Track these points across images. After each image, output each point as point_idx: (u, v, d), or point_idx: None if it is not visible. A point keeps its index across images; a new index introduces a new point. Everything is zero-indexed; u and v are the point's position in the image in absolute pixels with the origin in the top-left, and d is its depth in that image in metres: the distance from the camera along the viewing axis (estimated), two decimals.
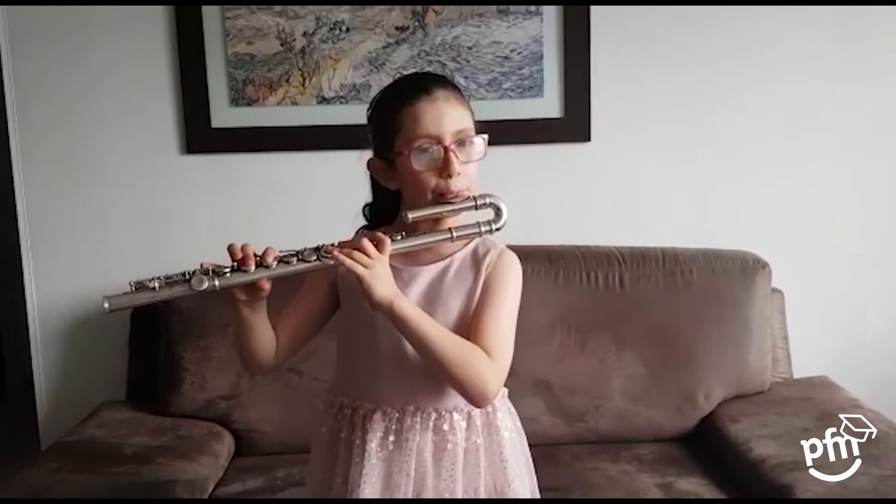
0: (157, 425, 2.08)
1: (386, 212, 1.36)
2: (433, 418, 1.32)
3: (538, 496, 1.45)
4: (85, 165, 2.32)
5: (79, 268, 2.34)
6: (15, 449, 2.34)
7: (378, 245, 1.22)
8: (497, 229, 1.30)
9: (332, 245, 1.23)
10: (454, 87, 1.34)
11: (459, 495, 1.31)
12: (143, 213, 2.34)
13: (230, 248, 1.21)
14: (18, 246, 2.34)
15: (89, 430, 2.06)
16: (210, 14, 2.26)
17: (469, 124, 1.31)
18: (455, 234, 1.28)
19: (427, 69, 2.24)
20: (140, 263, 2.26)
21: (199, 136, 2.30)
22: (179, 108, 2.30)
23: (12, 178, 2.32)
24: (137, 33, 2.27)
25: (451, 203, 1.28)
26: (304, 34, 2.26)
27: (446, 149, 1.27)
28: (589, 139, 2.34)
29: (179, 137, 2.31)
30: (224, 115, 2.30)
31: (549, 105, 2.31)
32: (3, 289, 3.89)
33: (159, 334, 2.19)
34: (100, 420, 2.11)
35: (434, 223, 1.30)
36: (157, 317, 2.19)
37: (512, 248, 1.38)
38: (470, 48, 2.28)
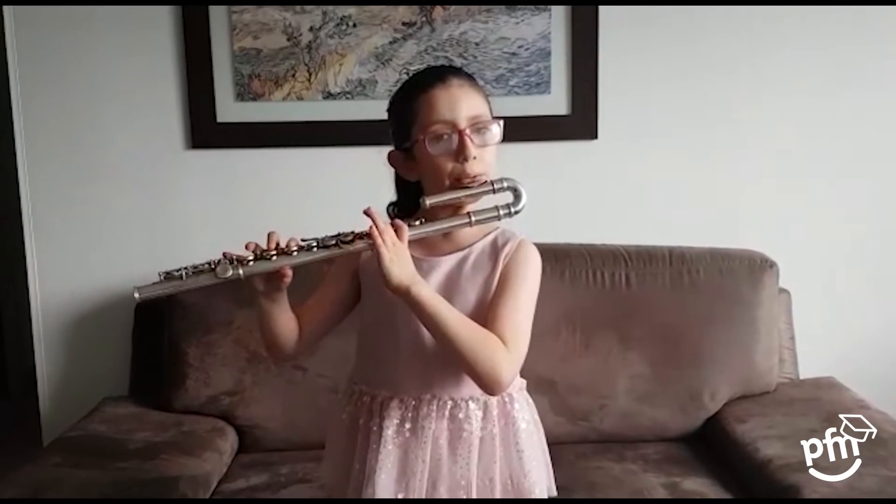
0: (161, 421, 2.08)
1: (409, 206, 1.37)
2: (449, 406, 1.33)
3: (554, 491, 1.46)
4: (89, 160, 2.31)
5: (82, 263, 2.33)
6: (17, 445, 2.34)
7: (397, 232, 1.24)
8: (516, 212, 1.31)
9: (352, 232, 1.25)
10: (469, 76, 1.37)
11: (474, 483, 1.32)
12: (148, 208, 2.33)
13: (247, 247, 1.24)
14: (22, 240, 2.34)
15: (92, 425, 2.05)
16: (216, 8, 2.25)
17: (484, 111, 1.33)
18: (474, 219, 1.30)
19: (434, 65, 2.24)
20: (144, 259, 2.25)
21: (205, 130, 2.29)
22: (185, 102, 2.29)
23: (17, 173, 2.31)
24: (143, 27, 2.26)
25: (468, 188, 1.30)
26: (311, 29, 2.25)
27: (461, 133, 1.29)
28: (596, 137, 2.32)
29: (184, 132, 2.30)
30: (229, 109, 2.29)
31: (556, 102, 2.30)
32: (7, 283, 3.90)
33: (163, 329, 2.18)
34: (103, 415, 2.11)
35: (454, 211, 1.32)
36: (160, 312, 2.19)
37: None
38: (477, 44, 2.27)
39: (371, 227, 1.22)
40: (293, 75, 2.28)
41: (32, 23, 2.26)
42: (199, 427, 2.05)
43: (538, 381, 2.06)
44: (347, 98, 2.29)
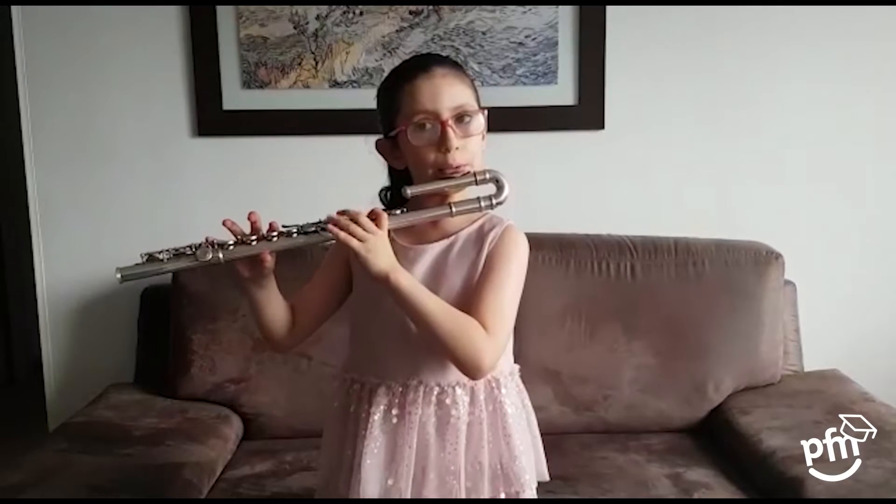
0: (166, 408, 2.08)
1: (401, 193, 1.36)
2: (436, 392, 1.33)
3: (546, 476, 1.47)
4: (96, 147, 2.31)
5: (88, 250, 2.34)
6: (23, 431, 2.35)
7: (376, 220, 1.24)
8: (498, 203, 1.31)
9: (332, 217, 1.25)
10: (454, 64, 1.37)
11: (462, 468, 1.32)
12: (154, 196, 2.33)
13: (224, 224, 1.26)
14: (28, 227, 2.34)
15: (98, 411, 2.06)
16: None
17: (468, 100, 1.33)
18: (454, 209, 1.31)
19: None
20: (150, 246, 2.22)
21: (211, 118, 2.29)
22: (191, 90, 2.29)
23: (23, 160, 2.32)
24: (150, 14, 2.26)
25: (451, 178, 1.30)
26: (317, 17, 2.25)
27: (443, 124, 1.29)
28: (603, 127, 2.32)
29: (191, 120, 2.31)
30: (236, 97, 2.29)
31: (562, 92, 2.30)
32: (13, 270, 3.91)
33: (168, 317, 2.19)
34: (108, 402, 2.12)
35: (440, 200, 1.33)
36: (166, 299, 2.19)
37: None
38: (484, 33, 2.26)
39: (330, 227, 1.22)
40: (300, 63, 2.28)
41: (39, 11, 2.26)
42: (204, 414, 2.06)
43: (543, 370, 2.08)
44: (354, 86, 2.28)
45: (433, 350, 1.29)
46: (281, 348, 1.44)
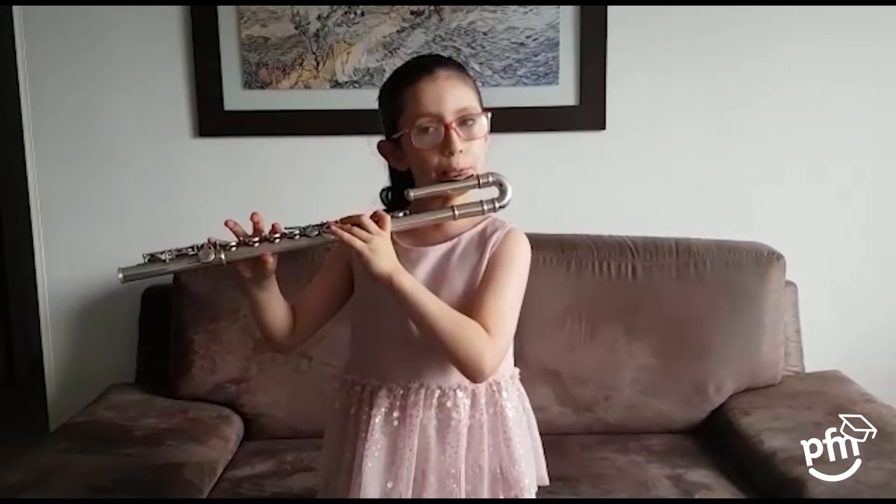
0: (167, 408, 2.08)
1: (401, 195, 1.36)
2: (437, 395, 1.33)
3: (546, 481, 1.47)
4: (97, 147, 2.31)
5: (89, 250, 2.34)
6: (24, 431, 2.34)
7: (379, 221, 1.24)
8: (501, 207, 1.31)
9: (335, 222, 1.25)
10: (457, 66, 1.36)
11: (463, 472, 1.32)
12: (155, 196, 2.33)
13: (226, 224, 1.27)
14: (29, 227, 2.34)
15: (99, 411, 2.06)
16: None
17: (471, 103, 1.33)
18: (457, 213, 1.30)
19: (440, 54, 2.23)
20: (151, 247, 2.21)
21: (212, 119, 2.29)
22: (192, 90, 2.29)
23: (25, 160, 2.32)
24: (151, 15, 2.26)
25: (453, 181, 1.30)
26: (319, 17, 2.25)
27: (447, 127, 1.29)
28: (604, 128, 2.32)
29: (192, 120, 2.30)
30: (237, 98, 2.29)
31: (564, 93, 2.29)
32: (14, 269, 3.91)
33: (169, 317, 2.19)
34: (109, 402, 2.12)
35: (443, 202, 1.32)
36: (167, 299, 2.19)
37: None
38: (485, 34, 2.26)
39: (333, 228, 1.22)
40: (301, 64, 2.28)
41: (40, 11, 2.26)
42: (204, 414, 2.06)
43: (544, 371, 2.08)
44: (355, 87, 2.28)
45: (435, 352, 1.29)
46: (282, 349, 1.45)
